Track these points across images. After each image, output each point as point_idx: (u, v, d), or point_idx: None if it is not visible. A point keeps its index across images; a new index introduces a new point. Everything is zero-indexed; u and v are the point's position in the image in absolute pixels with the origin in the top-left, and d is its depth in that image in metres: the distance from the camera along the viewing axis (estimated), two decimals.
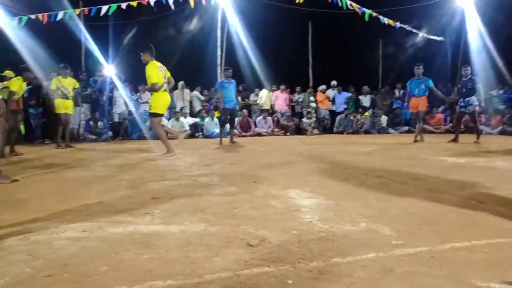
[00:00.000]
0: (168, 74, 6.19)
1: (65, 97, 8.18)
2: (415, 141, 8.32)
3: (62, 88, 8.15)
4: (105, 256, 1.71)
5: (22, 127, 9.02)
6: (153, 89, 5.89)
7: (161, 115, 6.19)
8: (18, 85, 6.67)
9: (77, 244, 1.86)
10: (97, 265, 1.61)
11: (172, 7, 10.40)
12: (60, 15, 10.51)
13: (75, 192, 3.23)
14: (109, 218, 2.35)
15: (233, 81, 8.82)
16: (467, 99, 8.10)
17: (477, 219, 2.24)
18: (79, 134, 10.71)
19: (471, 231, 2.00)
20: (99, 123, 10.54)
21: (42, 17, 10.48)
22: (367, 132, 12.65)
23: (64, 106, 8.16)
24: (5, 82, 6.57)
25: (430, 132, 12.18)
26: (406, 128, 12.93)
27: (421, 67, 8.54)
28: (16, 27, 10.18)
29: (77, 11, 11.21)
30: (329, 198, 2.79)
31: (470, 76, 8.20)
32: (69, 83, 8.33)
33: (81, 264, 1.62)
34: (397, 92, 14.19)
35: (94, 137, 10.39)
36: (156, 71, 5.89)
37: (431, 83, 8.50)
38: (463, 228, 2.06)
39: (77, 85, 8.72)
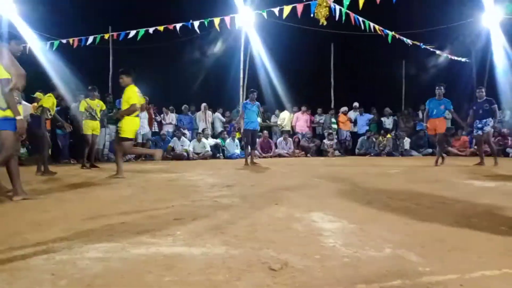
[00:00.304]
0: (143, 101, 6.42)
1: (93, 118, 8.38)
2: (436, 165, 8.07)
3: (90, 110, 8.35)
4: (128, 277, 1.71)
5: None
6: (133, 110, 6.05)
7: (131, 139, 6.27)
8: (51, 102, 6.89)
9: (100, 265, 1.87)
10: (120, 286, 1.62)
11: (198, 31, 10.66)
12: (90, 40, 10.92)
13: (98, 212, 3.27)
14: (131, 238, 2.36)
15: (257, 103, 9.03)
16: (484, 120, 7.90)
17: (508, 246, 2.14)
18: (103, 154, 10.93)
19: (502, 258, 1.92)
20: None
21: (73, 41, 10.91)
22: (389, 154, 12.46)
23: (91, 127, 8.34)
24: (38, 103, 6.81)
25: (456, 155, 11.90)
26: (430, 150, 12.67)
27: (442, 87, 8.36)
28: (48, 51, 10.63)
29: (106, 35, 11.64)
30: (352, 222, 2.74)
31: (485, 97, 8.02)
32: (97, 105, 8.54)
33: (104, 284, 1.63)
34: (420, 114, 13.98)
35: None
36: (136, 94, 6.10)
37: (450, 106, 8.35)
38: (494, 255, 1.97)
39: (104, 107, 8.94)
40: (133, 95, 6.05)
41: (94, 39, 11.05)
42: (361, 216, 2.94)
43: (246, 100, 9.73)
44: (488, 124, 7.85)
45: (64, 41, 11.03)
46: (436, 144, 8.72)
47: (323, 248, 2.11)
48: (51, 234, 2.52)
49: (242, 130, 9.35)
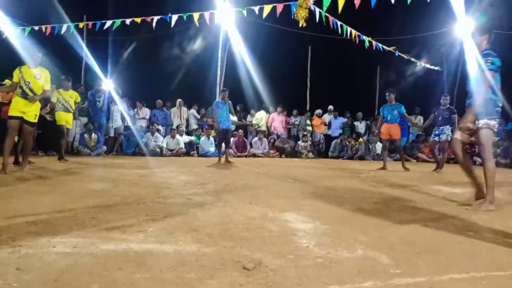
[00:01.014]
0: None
1: (66, 110, 8.08)
2: (405, 169, 8.27)
3: (63, 101, 8.04)
4: (97, 273, 1.66)
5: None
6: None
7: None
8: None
9: (68, 260, 1.81)
10: (88, 282, 1.56)
11: (172, 24, 10.51)
12: (64, 28, 10.58)
13: (67, 205, 3.17)
14: (101, 234, 2.30)
15: (229, 102, 9.08)
16: (441, 127, 8.10)
17: (476, 250, 2.21)
18: (73, 147, 10.62)
19: (470, 262, 1.98)
20: (93, 136, 10.49)
21: (45, 29, 10.55)
22: (361, 158, 12.68)
23: (64, 119, 8.05)
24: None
25: (424, 160, 12.22)
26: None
27: (392, 93, 8.57)
28: (20, 37, 10.23)
29: (81, 24, 11.31)
30: (325, 223, 2.76)
31: (448, 105, 8.23)
32: (70, 96, 8.20)
33: (72, 280, 1.58)
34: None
35: (88, 151, 10.32)
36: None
37: (403, 110, 8.52)
38: (462, 259, 2.03)
39: (79, 99, 8.62)
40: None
41: (68, 27, 10.72)
42: (334, 218, 2.97)
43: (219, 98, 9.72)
44: (445, 132, 8.02)
45: (36, 28, 10.63)
46: (387, 148, 8.94)
47: (297, 248, 2.11)
48: (16, 226, 2.42)
49: (216, 129, 9.35)
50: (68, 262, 1.78)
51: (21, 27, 10.64)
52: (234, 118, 11.51)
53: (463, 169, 3.93)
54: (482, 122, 3.65)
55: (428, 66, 14.40)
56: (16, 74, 5.57)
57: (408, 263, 1.92)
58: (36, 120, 5.70)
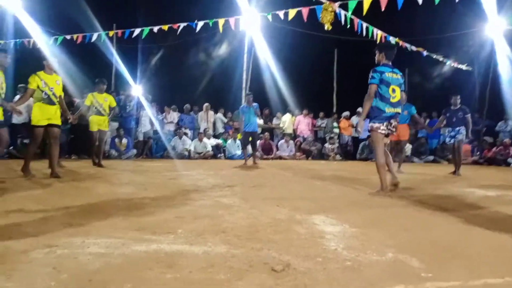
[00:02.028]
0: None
1: (99, 113, 7.88)
2: (400, 172, 8.02)
3: (97, 104, 7.84)
4: (129, 273, 1.70)
5: None
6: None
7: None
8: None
9: (101, 260, 1.87)
10: (120, 282, 1.61)
11: (197, 30, 10.66)
12: (94, 37, 10.94)
13: (100, 207, 3.27)
14: (132, 235, 2.36)
15: (255, 105, 9.17)
16: (457, 128, 7.83)
17: (510, 254, 2.14)
18: (104, 151, 10.91)
19: (504, 267, 1.91)
20: (123, 140, 10.75)
21: (77, 37, 10.93)
22: None
23: (97, 123, 7.87)
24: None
25: None
26: (431, 157, 12.67)
27: (404, 93, 8.40)
28: (52, 46, 10.64)
29: (111, 33, 11.65)
30: (354, 225, 2.73)
31: (460, 105, 7.96)
32: (105, 99, 7.97)
33: (105, 280, 1.63)
34: (422, 121, 13.98)
35: (117, 153, 10.58)
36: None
37: (413, 110, 8.30)
38: (496, 263, 1.97)
39: (114, 104, 8.44)
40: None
41: (99, 36, 11.06)
42: (362, 220, 2.93)
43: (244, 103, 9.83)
44: (461, 133, 7.78)
45: (68, 37, 11.03)
46: (394, 149, 8.57)
47: (325, 251, 2.10)
48: (52, 227, 2.51)
49: (241, 132, 9.48)
50: (101, 263, 1.83)
51: (54, 37, 11.06)
52: (260, 121, 11.54)
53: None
54: (369, 125, 4.54)
55: (457, 66, 13.99)
56: (34, 81, 5.48)
57: (440, 267, 1.88)
58: (61, 122, 5.80)
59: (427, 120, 13.50)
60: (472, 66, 14.36)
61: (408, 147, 12.81)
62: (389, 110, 4.44)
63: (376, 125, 4.44)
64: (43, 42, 10.69)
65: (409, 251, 2.14)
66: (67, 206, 3.31)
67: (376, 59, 4.75)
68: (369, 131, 4.66)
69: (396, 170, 8.08)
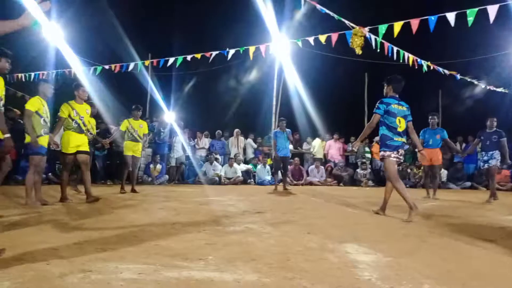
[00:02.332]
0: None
1: (134, 139, 7.96)
2: (431, 197, 7.89)
3: (132, 130, 7.93)
4: None
5: None
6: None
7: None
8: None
9: (134, 286, 1.89)
10: None
11: (228, 58, 10.91)
12: (131, 66, 11.40)
13: (133, 233, 3.33)
14: (164, 261, 2.38)
15: (288, 130, 9.35)
16: (490, 152, 7.51)
17: None
18: (138, 176, 11.18)
19: None
20: (158, 166, 10.97)
21: (115, 67, 11.42)
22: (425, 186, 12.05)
23: (131, 149, 7.95)
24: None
25: (497, 189, 11.35)
26: (469, 183, 12.17)
27: (436, 116, 8.35)
28: (90, 76, 11.16)
29: (147, 62, 12.12)
30: (388, 255, 2.65)
31: (495, 128, 7.65)
32: (140, 126, 8.08)
33: None
34: (458, 145, 13.54)
35: (150, 179, 10.79)
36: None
37: (446, 135, 8.16)
38: None
39: (147, 130, 8.53)
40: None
41: (135, 65, 11.53)
42: (397, 249, 2.84)
43: (277, 128, 9.92)
44: (495, 157, 7.46)
45: (106, 67, 11.56)
46: (429, 175, 8.50)
47: (358, 281, 2.04)
48: (87, 252, 2.57)
49: (273, 157, 9.52)
50: None
51: (93, 67, 11.61)
52: (290, 147, 11.54)
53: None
54: (380, 154, 4.96)
55: (494, 88, 13.57)
56: (66, 109, 5.72)
57: None
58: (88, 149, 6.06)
59: (463, 145, 13.08)
60: (509, 87, 13.89)
61: (444, 173, 12.40)
62: (397, 139, 4.80)
63: (387, 153, 4.79)
64: (82, 72, 11.24)
65: (447, 282, 2.05)
66: (102, 231, 3.39)
67: (384, 91, 5.14)
68: (381, 159, 5.06)
69: (432, 197, 7.88)
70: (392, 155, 4.76)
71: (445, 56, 12.60)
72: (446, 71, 12.12)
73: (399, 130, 4.82)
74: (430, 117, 8.39)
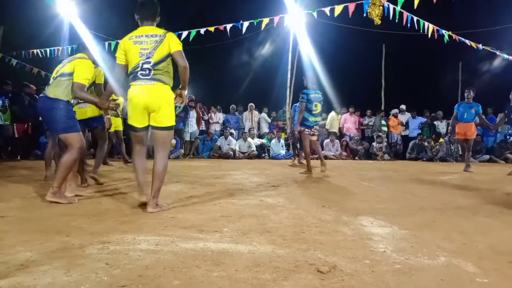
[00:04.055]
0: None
1: (116, 115, 7.76)
2: (465, 170, 7.83)
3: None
4: (177, 270, 1.75)
5: None
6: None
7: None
8: None
9: (151, 257, 1.93)
10: (170, 278, 1.65)
11: (243, 31, 10.76)
12: None
13: None
14: (181, 232, 2.42)
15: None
16: None
17: None
18: (153, 150, 11.29)
19: None
20: (172, 141, 11.07)
21: None
22: (443, 159, 11.90)
23: (114, 124, 7.49)
24: None
25: None
26: (487, 157, 11.97)
27: (472, 91, 8.23)
28: (102, 52, 11.15)
29: None
30: (404, 228, 2.64)
31: None
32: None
33: (155, 276, 1.68)
34: (477, 119, 13.23)
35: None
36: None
37: (480, 109, 8.16)
38: None
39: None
40: None
41: None
42: (413, 222, 2.82)
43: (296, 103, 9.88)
44: None
45: (120, 41, 11.53)
46: (465, 149, 8.47)
47: (373, 253, 2.04)
48: (105, 225, 2.63)
49: (289, 132, 9.51)
50: (151, 259, 1.90)
51: (107, 42, 11.59)
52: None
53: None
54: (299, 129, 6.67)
55: None
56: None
57: (497, 273, 1.77)
58: None
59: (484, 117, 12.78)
60: None
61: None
62: (312, 119, 6.59)
63: (305, 130, 6.58)
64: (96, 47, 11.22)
65: (464, 255, 2.04)
66: (119, 204, 3.46)
67: (304, 83, 6.81)
68: (299, 133, 6.84)
69: (464, 169, 7.86)
70: (306, 131, 6.55)
71: (467, 26, 12.14)
72: (468, 42, 11.72)
73: (314, 113, 6.58)
74: (466, 91, 8.34)
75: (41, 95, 3.62)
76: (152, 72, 3.13)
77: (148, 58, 3.12)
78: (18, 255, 1.95)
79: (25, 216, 2.92)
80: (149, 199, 3.17)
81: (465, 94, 8.28)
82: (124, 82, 3.50)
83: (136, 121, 3.22)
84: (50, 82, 3.61)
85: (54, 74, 3.66)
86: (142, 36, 3.18)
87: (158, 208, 3.13)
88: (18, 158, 9.24)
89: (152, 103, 3.13)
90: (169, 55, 3.18)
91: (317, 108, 6.59)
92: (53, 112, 3.47)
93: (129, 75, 3.22)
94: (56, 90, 3.51)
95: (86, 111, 4.65)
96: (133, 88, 3.16)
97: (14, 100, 9.46)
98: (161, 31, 3.21)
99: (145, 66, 3.12)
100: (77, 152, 3.52)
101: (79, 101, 4.44)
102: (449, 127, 8.79)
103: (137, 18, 3.32)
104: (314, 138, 6.82)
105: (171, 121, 3.25)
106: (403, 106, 13.72)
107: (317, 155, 7.50)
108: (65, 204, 3.41)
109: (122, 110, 8.16)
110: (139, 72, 3.14)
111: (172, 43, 3.17)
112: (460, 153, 12.01)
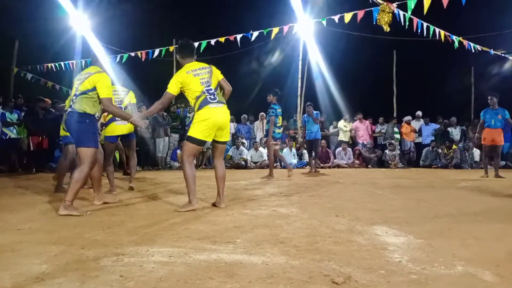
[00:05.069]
0: None
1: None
2: (497, 176, 7.84)
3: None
4: (191, 282, 1.75)
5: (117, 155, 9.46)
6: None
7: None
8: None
9: (165, 268, 1.93)
10: None
11: (252, 39, 10.85)
12: (156, 52, 11.50)
13: (163, 217, 3.40)
14: (194, 244, 2.42)
15: (315, 112, 9.44)
16: None
17: None
18: (166, 162, 11.38)
19: None
20: None
21: (141, 54, 11.55)
22: (457, 166, 11.73)
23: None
24: None
25: None
26: (503, 162, 11.76)
27: (495, 97, 8.21)
28: (114, 63, 11.34)
29: (171, 48, 12.18)
30: (419, 236, 2.60)
31: None
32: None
33: None
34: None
35: (178, 164, 10.97)
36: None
37: (507, 115, 8.11)
38: None
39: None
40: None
41: (160, 51, 11.62)
42: (428, 231, 2.78)
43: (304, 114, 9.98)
44: None
45: (132, 54, 11.71)
46: (487, 155, 8.49)
47: (388, 263, 2.01)
48: (119, 237, 2.65)
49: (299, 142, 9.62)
50: (165, 271, 1.90)
51: (119, 55, 11.78)
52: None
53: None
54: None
55: None
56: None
57: None
58: None
59: None
60: None
61: (476, 152, 12.03)
62: (278, 131, 7.88)
63: (273, 141, 7.74)
64: (108, 59, 11.40)
65: (481, 263, 1.99)
66: (132, 216, 3.48)
67: (268, 100, 7.87)
68: (265, 142, 8.48)
69: (494, 176, 7.79)
70: (273, 142, 7.71)
71: (478, 31, 12.03)
72: (479, 47, 11.61)
73: (278, 125, 7.87)
74: (489, 97, 8.35)
75: (68, 109, 3.78)
76: (216, 96, 3.78)
77: (208, 86, 3.77)
78: (33, 267, 1.97)
79: (40, 228, 2.95)
80: (219, 199, 3.94)
81: (489, 101, 8.29)
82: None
83: (207, 137, 3.78)
84: (74, 99, 3.73)
85: (74, 91, 3.80)
86: (196, 69, 3.81)
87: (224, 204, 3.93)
88: (34, 171, 9.38)
89: (225, 122, 3.82)
90: (218, 82, 3.90)
91: (280, 121, 7.89)
92: (78, 125, 3.65)
93: (197, 100, 3.76)
94: (81, 105, 3.66)
95: (128, 127, 5.14)
96: (209, 110, 3.71)
97: (29, 113, 9.66)
98: (206, 64, 3.93)
99: (210, 91, 3.76)
100: (88, 168, 3.63)
101: (116, 118, 4.90)
102: (476, 134, 8.73)
103: (179, 57, 4.02)
104: (277, 147, 8.16)
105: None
106: (419, 113, 13.56)
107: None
108: (78, 216, 3.45)
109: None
110: (208, 97, 3.74)
111: (218, 73, 3.94)
112: (475, 159, 11.86)
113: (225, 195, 4.18)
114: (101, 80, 3.69)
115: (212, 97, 3.75)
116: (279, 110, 7.73)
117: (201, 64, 3.90)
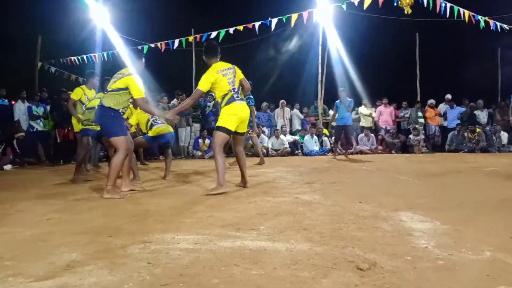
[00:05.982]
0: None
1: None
2: None
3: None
4: (216, 268, 1.78)
5: None
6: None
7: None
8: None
9: (191, 255, 1.97)
10: (209, 277, 1.68)
11: (272, 28, 10.76)
12: (176, 43, 11.54)
13: (187, 205, 3.45)
14: (218, 231, 2.45)
15: (348, 100, 9.46)
16: None
17: None
18: (188, 151, 11.49)
19: None
20: (206, 141, 11.21)
21: (161, 45, 11.63)
22: (484, 150, 11.40)
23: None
24: None
25: None
26: None
27: None
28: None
29: (190, 38, 12.19)
30: (445, 222, 2.56)
31: None
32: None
33: (195, 274, 1.71)
34: None
35: (200, 153, 11.07)
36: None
37: None
38: None
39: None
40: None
41: (180, 42, 11.66)
42: (455, 217, 2.73)
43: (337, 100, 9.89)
44: None
45: (152, 45, 11.79)
46: None
47: (414, 249, 1.99)
48: (145, 225, 2.71)
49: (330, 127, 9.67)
50: (191, 258, 1.93)
51: (140, 46, 11.87)
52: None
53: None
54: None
55: None
56: (79, 92, 6.32)
57: None
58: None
59: None
60: None
61: (504, 135, 11.67)
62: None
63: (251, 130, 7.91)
64: (126, 52, 11.52)
65: (510, 249, 1.95)
66: (158, 205, 3.54)
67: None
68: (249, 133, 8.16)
69: None
70: (250, 131, 7.70)
71: (504, 10, 11.56)
72: (506, 26, 11.16)
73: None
74: None
75: (98, 104, 4.18)
76: (240, 95, 4.35)
77: (233, 85, 4.28)
78: (63, 256, 2.04)
79: (68, 218, 3.05)
80: (244, 179, 4.53)
81: None
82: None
83: (233, 127, 4.28)
84: (105, 93, 4.19)
85: (108, 88, 4.15)
86: (224, 70, 4.30)
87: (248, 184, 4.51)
88: (61, 162, 9.63)
89: (246, 117, 4.40)
90: (240, 81, 4.38)
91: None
92: (106, 118, 4.05)
93: (224, 97, 4.28)
94: (109, 100, 4.03)
95: (166, 127, 5.65)
96: (236, 106, 4.26)
97: (54, 106, 9.91)
98: (230, 64, 4.40)
99: (235, 90, 4.29)
100: (123, 153, 4.00)
101: (155, 120, 5.52)
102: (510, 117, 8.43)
103: (205, 57, 4.42)
104: (254, 135, 8.68)
105: None
106: (448, 96, 13.13)
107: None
108: (108, 203, 3.62)
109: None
110: (234, 95, 4.27)
111: (239, 72, 4.42)
112: (503, 143, 11.52)
113: (229, 185, 4.49)
114: (132, 82, 4.03)
115: (236, 95, 4.30)
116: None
117: (227, 64, 4.38)
